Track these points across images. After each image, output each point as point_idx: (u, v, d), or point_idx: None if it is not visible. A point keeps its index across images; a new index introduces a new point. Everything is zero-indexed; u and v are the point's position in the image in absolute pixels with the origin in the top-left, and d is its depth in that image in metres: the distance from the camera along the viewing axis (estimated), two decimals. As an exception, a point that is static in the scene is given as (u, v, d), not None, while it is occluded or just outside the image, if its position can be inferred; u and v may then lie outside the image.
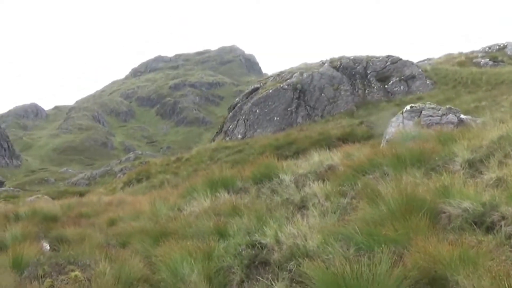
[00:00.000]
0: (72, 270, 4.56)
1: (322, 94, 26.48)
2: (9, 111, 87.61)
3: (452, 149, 5.12)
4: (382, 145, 9.63)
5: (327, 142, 15.30)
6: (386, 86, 26.96)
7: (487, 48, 34.47)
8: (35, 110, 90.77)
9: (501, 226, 3.24)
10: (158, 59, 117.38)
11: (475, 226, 3.36)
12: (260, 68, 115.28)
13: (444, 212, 3.66)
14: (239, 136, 25.80)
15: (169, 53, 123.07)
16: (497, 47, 33.94)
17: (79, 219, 8.37)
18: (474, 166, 4.64)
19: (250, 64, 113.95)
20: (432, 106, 11.82)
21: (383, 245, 3.14)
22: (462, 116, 10.99)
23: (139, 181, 22.27)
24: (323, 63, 29.38)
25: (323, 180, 5.52)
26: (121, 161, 48.03)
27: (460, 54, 34.78)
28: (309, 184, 5.52)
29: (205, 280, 3.78)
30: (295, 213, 4.69)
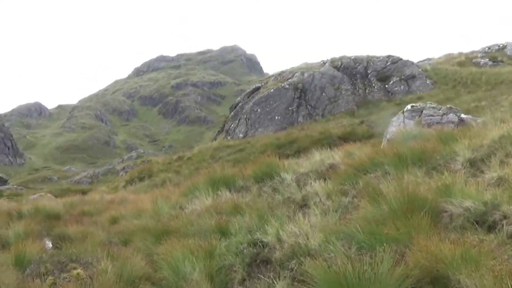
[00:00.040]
0: (74, 268, 4.57)
1: (323, 94, 26.55)
2: (13, 110, 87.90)
3: (453, 148, 5.11)
4: (383, 144, 9.62)
5: (328, 141, 15.33)
6: (386, 85, 27.10)
7: (487, 48, 34.69)
8: (38, 109, 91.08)
9: (502, 225, 3.23)
10: (160, 58, 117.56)
11: (476, 225, 3.36)
12: (261, 67, 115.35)
13: (446, 211, 3.66)
14: (241, 135, 25.87)
15: (169, 53, 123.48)
16: (497, 47, 34.17)
17: (82, 217, 8.40)
18: (475, 165, 4.63)
19: (251, 64, 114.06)
20: (433, 105, 11.81)
21: (384, 244, 3.14)
22: (462, 115, 10.97)
23: (141, 179, 22.32)
24: (324, 62, 29.49)
25: (325, 179, 5.51)
26: (124, 160, 48.12)
27: (460, 54, 35.04)
28: (311, 183, 5.51)
29: (206, 279, 3.78)
30: (296, 211, 4.69)
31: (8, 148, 57.82)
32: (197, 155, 23.27)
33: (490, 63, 29.95)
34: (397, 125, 11.37)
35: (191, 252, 4.09)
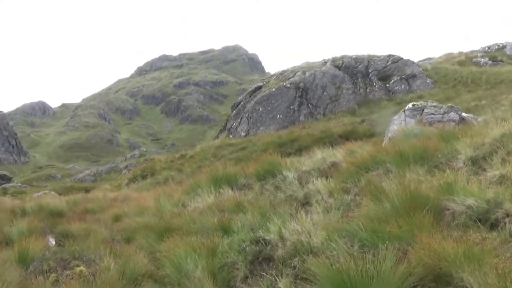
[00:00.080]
0: (77, 265, 4.59)
1: (324, 93, 26.63)
2: (17, 109, 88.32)
3: (455, 147, 5.09)
4: (384, 142, 9.60)
5: (329, 140, 15.35)
6: (387, 85, 27.22)
7: (487, 48, 34.87)
8: (42, 108, 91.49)
9: (505, 223, 3.22)
10: (163, 58, 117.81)
11: (479, 223, 3.34)
12: (263, 67, 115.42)
13: (448, 209, 3.64)
14: (243, 134, 25.92)
15: (169, 52, 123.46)
16: (496, 47, 34.34)
17: (85, 215, 8.43)
18: (477, 164, 4.62)
19: (253, 63, 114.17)
20: (434, 104, 11.80)
21: (387, 242, 3.13)
22: (463, 114, 10.96)
23: (144, 177, 22.39)
24: (325, 62, 29.63)
25: (326, 177, 5.50)
26: (126, 158, 48.28)
27: (460, 53, 35.21)
28: (313, 181, 5.50)
29: (209, 276, 3.78)
30: (298, 209, 4.68)
31: (13, 147, 58.14)
32: (199, 153, 23.32)
33: (490, 62, 30.15)
34: (398, 124, 11.36)
35: (194, 250, 4.10)
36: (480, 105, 17.47)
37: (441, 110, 11.17)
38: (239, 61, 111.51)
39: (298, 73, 28.02)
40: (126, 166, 37.58)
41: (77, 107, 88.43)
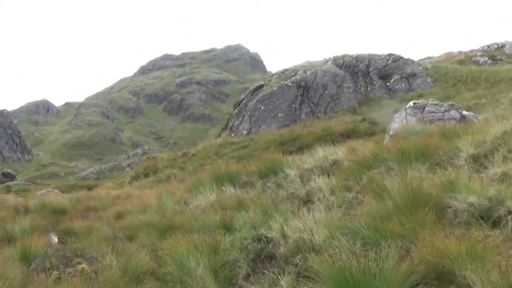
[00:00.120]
0: (79, 263, 4.60)
1: (326, 91, 26.72)
2: (21, 107, 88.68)
3: (456, 144, 5.08)
4: (385, 140, 9.58)
5: (330, 138, 15.35)
6: (387, 83, 27.38)
7: (486, 47, 35.12)
8: (46, 107, 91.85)
9: (507, 220, 3.20)
10: (166, 57, 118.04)
11: (481, 221, 3.33)
12: (264, 66, 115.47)
13: (450, 207, 3.63)
14: (244, 132, 25.98)
15: (170, 52, 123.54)
16: (496, 46, 34.57)
17: (87, 213, 8.44)
18: (478, 161, 4.60)
19: (254, 62, 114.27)
20: (435, 102, 11.78)
21: (389, 240, 3.12)
22: (464, 112, 10.94)
23: (146, 175, 22.44)
24: (326, 61, 29.82)
25: (328, 175, 5.49)
26: (129, 156, 48.43)
27: (460, 52, 35.47)
28: (314, 179, 5.49)
29: (211, 274, 3.78)
30: (300, 207, 4.66)
31: (17, 145, 58.43)
32: (201, 151, 23.36)
33: (489, 61, 30.41)
34: (399, 122, 11.35)
35: (196, 248, 4.09)
36: (480, 104, 17.53)
37: (442, 108, 11.15)
38: (241, 60, 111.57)
39: (300, 72, 28.08)
40: (129, 164, 37.71)
41: (80, 105, 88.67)
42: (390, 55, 29.11)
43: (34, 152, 61.84)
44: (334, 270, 2.96)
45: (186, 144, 46.52)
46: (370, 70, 28.12)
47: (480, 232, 3.09)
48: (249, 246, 4.04)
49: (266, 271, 3.70)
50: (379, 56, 29.29)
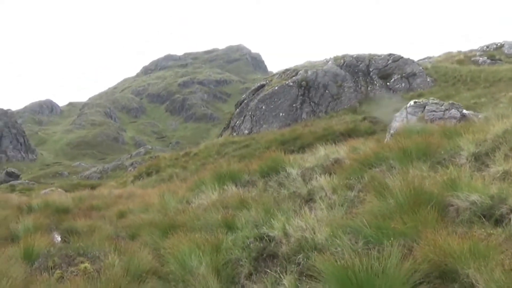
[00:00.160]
0: (82, 262, 4.60)
1: (326, 91, 26.81)
2: (25, 107, 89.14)
3: (457, 143, 5.06)
4: (386, 139, 9.56)
5: (331, 137, 15.34)
6: (388, 83, 27.54)
7: (485, 47, 35.34)
8: (50, 106, 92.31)
9: (510, 219, 3.19)
10: (168, 57, 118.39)
11: (483, 219, 3.31)
12: (265, 66, 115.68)
13: (452, 205, 3.61)
14: (246, 132, 26.05)
15: (170, 52, 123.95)
16: (495, 46, 34.82)
17: (90, 212, 8.46)
18: (480, 160, 4.58)
19: (256, 63, 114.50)
20: (435, 101, 11.78)
21: (392, 238, 3.11)
22: (464, 111, 10.93)
23: (149, 174, 22.50)
24: (327, 61, 29.97)
25: (330, 174, 5.48)
26: (132, 156, 48.56)
27: (459, 52, 35.71)
28: (316, 178, 5.48)
29: (213, 273, 3.77)
30: (302, 206, 4.66)
31: (21, 144, 58.75)
32: (203, 151, 23.40)
33: (488, 61, 30.61)
34: (400, 121, 11.35)
35: (198, 246, 4.09)
36: (480, 103, 17.59)
37: (442, 107, 11.14)
38: (242, 60, 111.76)
39: (301, 71, 28.17)
40: (132, 164, 37.84)
41: (83, 105, 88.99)
42: (390, 55, 29.28)
43: (38, 151, 62.14)
44: (337, 269, 2.95)
45: (188, 144, 46.62)
46: (371, 70, 28.28)
47: (483, 230, 3.08)
48: (251, 245, 4.03)
49: (268, 270, 3.70)
50: (379, 56, 29.46)
